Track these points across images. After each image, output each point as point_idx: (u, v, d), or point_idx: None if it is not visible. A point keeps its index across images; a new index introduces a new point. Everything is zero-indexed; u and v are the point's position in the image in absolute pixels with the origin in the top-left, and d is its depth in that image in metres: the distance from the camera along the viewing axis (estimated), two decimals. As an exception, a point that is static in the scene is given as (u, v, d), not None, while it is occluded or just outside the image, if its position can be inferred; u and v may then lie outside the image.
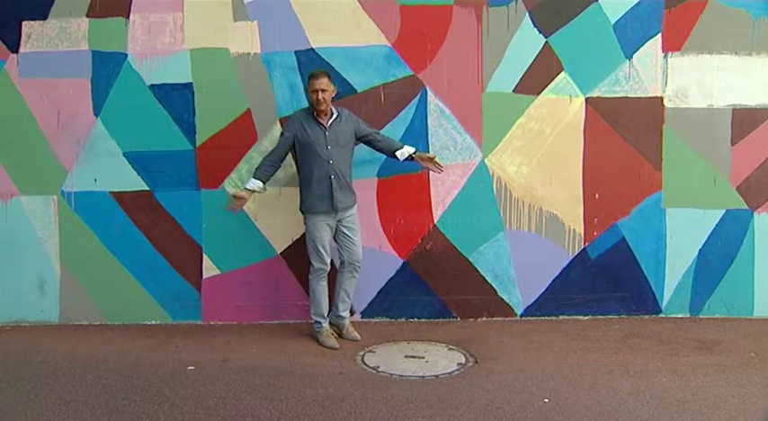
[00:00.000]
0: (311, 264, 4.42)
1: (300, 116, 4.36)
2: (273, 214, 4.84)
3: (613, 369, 3.94)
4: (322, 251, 4.35)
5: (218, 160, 4.82)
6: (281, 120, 4.78)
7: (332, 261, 4.56)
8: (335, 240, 4.46)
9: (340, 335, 4.53)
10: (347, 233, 4.41)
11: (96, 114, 4.83)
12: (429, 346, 4.38)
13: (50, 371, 4.00)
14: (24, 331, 4.81)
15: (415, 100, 4.77)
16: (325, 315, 4.48)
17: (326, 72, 4.31)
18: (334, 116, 4.31)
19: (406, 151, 4.38)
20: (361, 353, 4.26)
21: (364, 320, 4.90)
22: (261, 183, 4.29)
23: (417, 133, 4.77)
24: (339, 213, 4.35)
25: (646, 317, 4.90)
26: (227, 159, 4.83)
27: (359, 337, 4.50)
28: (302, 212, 4.41)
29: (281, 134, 4.38)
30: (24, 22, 4.80)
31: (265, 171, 4.31)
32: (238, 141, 4.81)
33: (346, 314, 4.58)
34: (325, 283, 4.46)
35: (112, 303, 4.94)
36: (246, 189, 4.30)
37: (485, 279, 4.88)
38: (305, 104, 4.76)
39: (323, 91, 4.19)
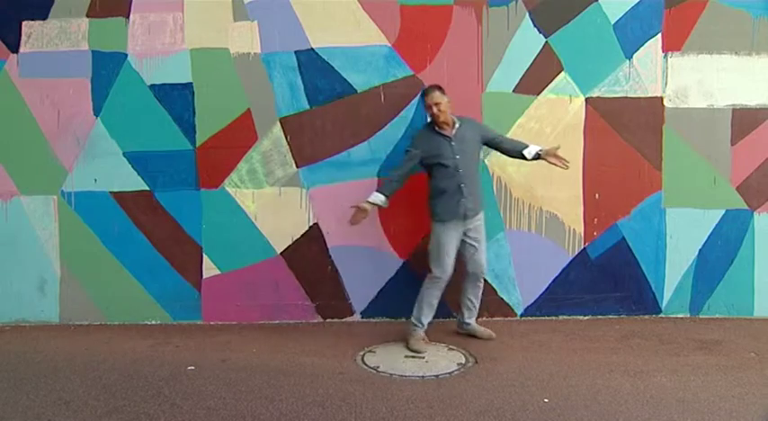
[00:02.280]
0: (430, 271, 4.28)
1: (424, 131, 4.32)
2: (273, 214, 4.85)
3: (613, 369, 3.93)
4: (446, 259, 4.23)
5: (218, 160, 4.83)
6: (281, 120, 4.79)
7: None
8: (459, 250, 4.34)
9: (474, 337, 4.50)
10: (473, 243, 4.33)
11: (96, 114, 4.83)
12: (429, 346, 4.37)
13: (50, 371, 4.00)
14: (24, 331, 4.81)
15: (415, 100, 4.77)
16: (425, 323, 4.37)
17: (438, 85, 4.28)
18: (457, 125, 4.26)
19: (533, 149, 4.26)
20: (361, 353, 4.26)
21: (364, 320, 4.90)
22: (384, 198, 4.24)
23: (417, 133, 4.78)
24: (468, 221, 4.29)
25: (646, 317, 4.90)
26: (227, 159, 4.83)
27: (493, 335, 4.45)
28: (433, 221, 4.33)
29: (407, 150, 4.28)
30: (24, 22, 4.81)
31: (389, 187, 4.27)
32: (238, 141, 4.81)
33: (472, 321, 4.53)
34: (439, 293, 4.33)
35: (112, 303, 4.94)
36: (369, 202, 4.24)
37: (485, 279, 4.87)
38: (305, 104, 4.78)
39: (437, 104, 4.17)
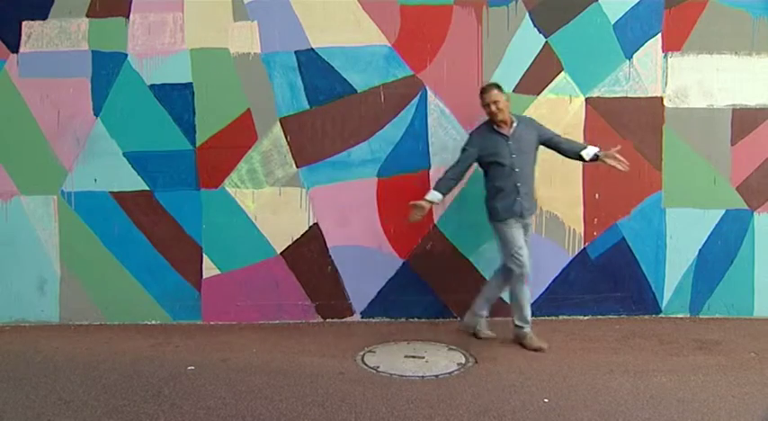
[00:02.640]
0: (510, 270, 4.21)
1: (481, 130, 4.26)
2: (273, 214, 4.85)
3: (613, 369, 3.93)
4: (520, 253, 4.17)
5: (218, 160, 4.83)
6: (281, 120, 4.79)
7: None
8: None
9: (475, 335, 4.46)
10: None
11: (96, 114, 4.83)
12: (429, 346, 4.37)
13: (50, 371, 4.00)
14: (24, 331, 4.81)
15: (415, 100, 4.78)
16: (530, 319, 4.33)
17: (496, 84, 4.25)
18: (515, 124, 4.22)
19: (590, 151, 4.19)
20: (361, 353, 4.26)
21: (364, 320, 4.90)
22: (440, 196, 4.21)
23: (417, 133, 4.78)
24: (523, 220, 4.26)
25: (646, 317, 4.89)
26: (227, 159, 4.83)
27: (494, 335, 4.42)
28: (492, 221, 4.31)
29: (463, 149, 4.24)
30: (24, 22, 4.81)
31: (446, 184, 4.23)
32: (238, 141, 4.81)
33: (484, 313, 4.46)
34: (527, 288, 4.29)
35: (112, 303, 4.94)
36: (426, 200, 4.20)
37: (485, 279, 4.87)
38: (305, 104, 4.78)
39: (495, 102, 4.13)
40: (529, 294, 4.36)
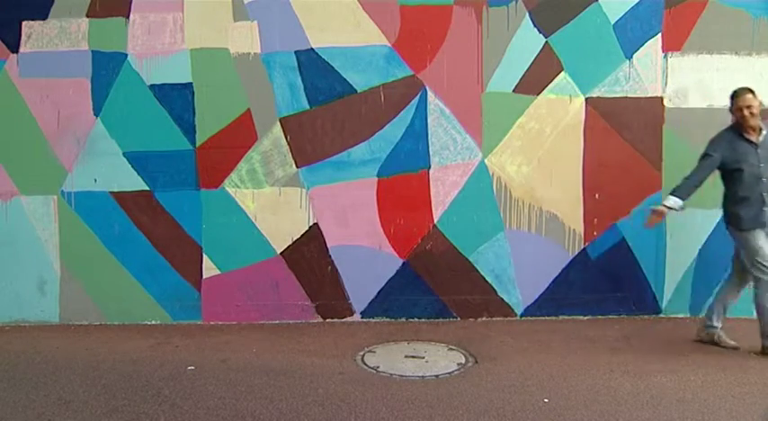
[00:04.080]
0: (758, 279, 4.11)
1: (727, 135, 4.16)
2: (273, 214, 4.85)
3: (613, 369, 3.93)
4: (766, 262, 4.06)
5: (218, 160, 4.83)
6: (281, 120, 4.79)
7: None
8: (741, 257, 4.21)
9: (714, 343, 4.32)
10: None
11: (96, 114, 4.83)
12: (429, 346, 4.38)
13: (50, 371, 4.00)
14: (24, 331, 4.81)
15: (415, 100, 4.78)
16: None
17: (750, 88, 4.12)
18: (764, 132, 4.11)
19: None
20: (361, 353, 4.26)
21: (364, 320, 4.90)
22: (681, 202, 4.13)
23: (417, 133, 4.78)
24: (765, 229, 4.16)
25: (646, 317, 4.89)
26: (227, 159, 4.83)
27: (737, 345, 4.27)
28: (736, 229, 4.18)
29: (706, 155, 4.13)
30: (24, 22, 4.81)
31: (686, 191, 4.14)
32: (238, 141, 4.81)
33: (719, 324, 4.35)
34: None
35: (112, 303, 4.94)
36: (665, 205, 4.15)
37: (485, 279, 4.88)
38: (305, 104, 4.78)
39: (749, 107, 4.04)
40: None
